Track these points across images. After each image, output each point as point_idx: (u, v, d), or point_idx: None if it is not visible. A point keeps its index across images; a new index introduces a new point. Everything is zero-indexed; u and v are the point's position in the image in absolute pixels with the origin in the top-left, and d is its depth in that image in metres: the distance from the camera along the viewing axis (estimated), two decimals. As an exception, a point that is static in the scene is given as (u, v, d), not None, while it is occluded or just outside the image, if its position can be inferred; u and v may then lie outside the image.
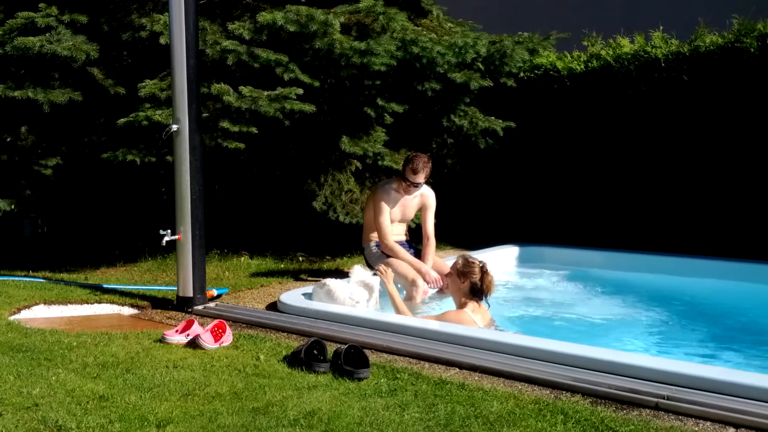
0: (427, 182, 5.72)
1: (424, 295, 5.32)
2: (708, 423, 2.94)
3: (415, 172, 5.42)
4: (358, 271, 5.08)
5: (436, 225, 5.74)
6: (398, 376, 3.50)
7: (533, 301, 5.64)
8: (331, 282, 4.92)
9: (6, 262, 6.51)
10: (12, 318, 4.70)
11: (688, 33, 7.16)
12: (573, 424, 2.92)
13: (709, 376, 3.24)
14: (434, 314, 5.10)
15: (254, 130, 5.90)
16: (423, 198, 5.69)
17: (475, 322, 4.35)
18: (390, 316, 4.66)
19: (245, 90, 5.82)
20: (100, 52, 5.93)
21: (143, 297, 5.32)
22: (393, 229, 5.60)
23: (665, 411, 3.06)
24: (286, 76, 5.94)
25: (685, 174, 7.08)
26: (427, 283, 5.32)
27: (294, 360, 3.73)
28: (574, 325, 4.99)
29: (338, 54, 6.03)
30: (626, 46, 7.49)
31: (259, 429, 2.88)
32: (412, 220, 5.94)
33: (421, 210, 5.73)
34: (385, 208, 5.51)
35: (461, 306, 4.47)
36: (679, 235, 7.04)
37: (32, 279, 5.82)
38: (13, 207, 5.95)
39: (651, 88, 7.15)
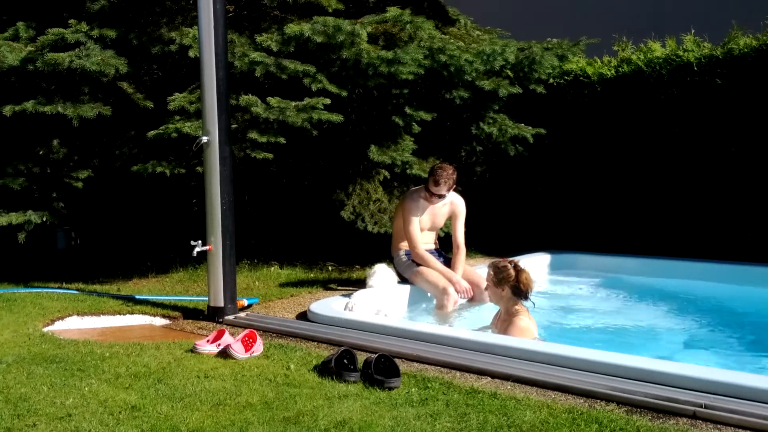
0: (456, 190, 5.69)
1: (455, 304, 5.28)
2: (748, 432, 2.87)
3: (437, 183, 5.41)
4: (380, 273, 5.13)
5: (465, 233, 5.70)
6: (429, 385, 3.46)
7: (566, 308, 5.57)
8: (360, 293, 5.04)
9: (40, 274, 6.60)
10: (46, 329, 4.75)
11: (721, 36, 7.05)
12: (608, 433, 2.86)
13: (748, 384, 3.16)
14: (464, 323, 5.08)
15: (282, 140, 5.92)
16: (452, 206, 5.66)
17: (534, 332, 4.31)
18: (420, 326, 4.63)
19: (273, 101, 5.85)
20: (130, 67, 6.00)
21: (175, 308, 5.35)
22: (422, 237, 5.57)
23: (703, 420, 2.98)
24: (313, 87, 5.96)
25: (720, 179, 6.96)
26: (458, 293, 5.28)
27: (324, 369, 3.71)
28: (607, 333, 4.92)
29: (365, 64, 6.04)
30: (657, 50, 7.40)
31: (289, 439, 2.86)
32: (441, 228, 5.90)
33: (451, 218, 5.70)
34: (414, 216, 5.50)
35: (514, 314, 4.40)
36: (714, 240, 6.91)
37: (66, 291, 5.88)
38: (45, 219, 6.03)
39: (684, 92, 7.04)
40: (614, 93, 7.51)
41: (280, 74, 5.92)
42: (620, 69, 7.50)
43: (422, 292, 5.48)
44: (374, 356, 3.64)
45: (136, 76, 6.30)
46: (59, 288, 6.00)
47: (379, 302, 5.09)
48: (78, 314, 5.19)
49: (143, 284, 6.35)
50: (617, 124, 7.54)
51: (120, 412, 3.15)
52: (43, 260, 7.31)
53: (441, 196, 5.49)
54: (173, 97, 5.86)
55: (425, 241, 5.62)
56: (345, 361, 3.70)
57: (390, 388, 3.43)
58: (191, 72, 5.97)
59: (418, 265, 5.50)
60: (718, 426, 2.92)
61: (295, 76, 5.95)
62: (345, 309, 4.95)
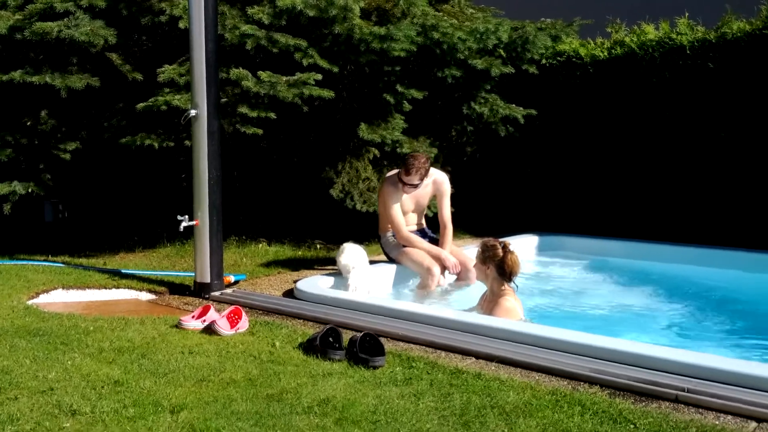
0: (445, 170, 5.65)
1: (439, 284, 5.27)
2: (729, 417, 2.87)
3: (408, 173, 5.30)
4: (349, 251, 5.11)
5: (454, 213, 5.66)
6: (414, 364, 3.46)
7: (552, 290, 5.58)
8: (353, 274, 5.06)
9: (27, 246, 6.56)
10: (30, 302, 4.72)
11: (715, 19, 7.03)
12: (591, 415, 2.86)
13: (730, 369, 3.17)
14: (451, 303, 5.09)
15: (272, 115, 5.88)
16: (436, 185, 5.57)
17: (520, 314, 4.31)
18: (406, 305, 4.63)
19: (264, 75, 5.79)
20: (119, 37, 5.92)
21: (161, 282, 5.33)
22: (408, 219, 5.53)
23: (685, 404, 2.99)
24: (305, 62, 5.91)
25: (710, 163, 6.96)
26: (447, 269, 5.27)
27: (309, 347, 3.70)
28: (593, 316, 4.93)
29: (358, 39, 5.98)
30: (651, 32, 7.37)
31: (272, 416, 2.85)
32: (429, 208, 5.87)
33: (436, 197, 5.64)
34: (395, 200, 5.41)
35: (499, 295, 4.40)
36: (702, 225, 6.92)
37: (51, 264, 5.85)
38: (30, 190, 5.97)
39: (676, 75, 7.02)
40: (606, 75, 7.48)
41: (272, 48, 5.86)
42: (613, 51, 7.47)
43: (408, 271, 5.47)
44: (359, 335, 3.64)
45: (126, 47, 6.22)
46: (45, 261, 5.96)
47: (374, 281, 5.11)
48: (63, 287, 5.16)
49: (130, 258, 6.32)
50: (609, 107, 7.52)
51: (102, 387, 3.13)
52: (31, 232, 7.27)
53: (414, 186, 5.39)
54: (163, 69, 5.79)
55: (411, 223, 5.58)
56: (330, 339, 3.69)
57: (374, 367, 3.43)
58: (181, 44, 5.89)
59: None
60: (700, 410, 2.93)
61: (286, 50, 5.90)
62: (349, 290, 4.95)
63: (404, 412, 2.89)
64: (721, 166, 6.89)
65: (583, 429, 2.75)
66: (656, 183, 7.33)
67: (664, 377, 3.18)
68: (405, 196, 5.46)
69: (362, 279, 5.06)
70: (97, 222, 7.64)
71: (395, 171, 5.56)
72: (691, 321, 4.83)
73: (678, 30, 7.17)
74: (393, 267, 5.54)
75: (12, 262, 5.84)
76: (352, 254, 5.14)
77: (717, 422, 2.82)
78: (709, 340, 4.37)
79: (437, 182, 5.58)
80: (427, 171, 5.38)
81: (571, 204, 7.88)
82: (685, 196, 7.14)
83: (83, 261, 6.06)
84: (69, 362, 3.45)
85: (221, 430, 2.70)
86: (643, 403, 3.01)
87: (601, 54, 7.54)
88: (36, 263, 5.83)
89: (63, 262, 5.92)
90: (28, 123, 6.17)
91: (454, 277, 5.42)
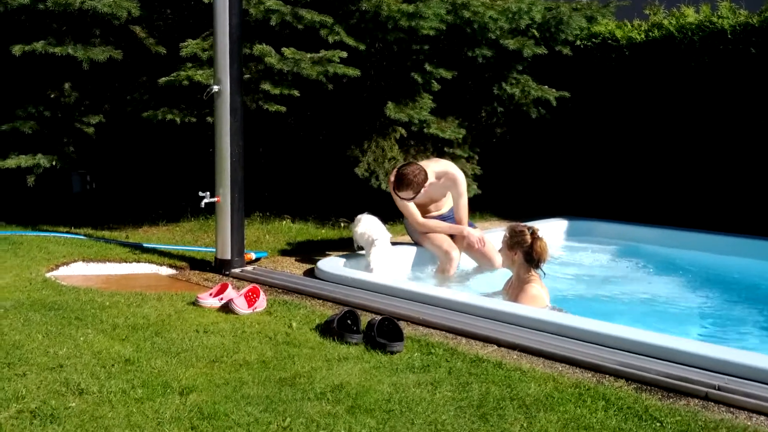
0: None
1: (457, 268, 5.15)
2: (762, 417, 2.73)
3: (398, 189, 5.08)
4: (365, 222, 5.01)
5: (481, 196, 5.46)
6: (432, 351, 3.36)
7: (580, 277, 5.43)
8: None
9: (52, 217, 6.55)
10: (49, 275, 4.69)
11: (758, 3, 6.76)
12: (615, 411, 2.73)
13: (765, 367, 3.01)
14: (472, 288, 4.97)
15: (296, 93, 5.78)
16: (448, 183, 5.23)
17: (546, 301, 4.18)
18: (428, 288, 4.52)
19: (288, 52, 5.68)
20: (142, 10, 5.85)
21: (182, 258, 5.28)
22: (422, 210, 5.34)
23: (715, 402, 2.85)
24: (330, 39, 5.79)
25: (750, 151, 6.72)
26: (471, 245, 5.15)
27: (326, 329, 3.62)
28: (621, 305, 4.78)
29: (385, 16, 5.85)
30: (690, 15, 7.12)
31: (283, 401, 2.77)
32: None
33: (451, 195, 5.37)
34: (404, 200, 5.19)
35: (525, 281, 4.28)
36: (740, 214, 6.70)
37: (73, 236, 5.82)
38: (54, 163, 5.96)
39: (716, 60, 6.78)
40: (643, 58, 7.25)
41: (297, 24, 5.75)
42: (650, 34, 7.24)
43: (428, 253, 5.34)
44: (378, 318, 3.55)
45: (149, 20, 6.14)
46: (67, 233, 5.94)
47: (395, 260, 5.00)
48: (84, 260, 5.14)
49: (153, 232, 6.28)
50: (644, 91, 7.29)
51: (113, 365, 3.07)
52: (58, 203, 7.26)
53: (410, 199, 5.14)
54: (186, 44, 5.71)
55: (429, 211, 5.39)
56: (348, 321, 3.60)
57: (392, 352, 3.33)
58: (205, 18, 5.80)
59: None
60: (732, 410, 2.78)
61: (311, 26, 5.78)
62: (367, 269, 4.84)
63: (420, 402, 2.79)
64: (763, 154, 6.65)
65: (607, 426, 2.62)
66: (692, 169, 7.10)
67: (694, 373, 3.04)
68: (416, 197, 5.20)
69: (384, 257, 4.94)
70: (123, 194, 7.61)
71: (395, 175, 5.19)
72: (724, 314, 4.65)
73: (719, 13, 6.91)
74: (413, 249, 5.42)
75: (34, 233, 5.83)
76: (369, 224, 5.02)
77: (749, 423, 2.68)
78: (743, 335, 4.20)
79: (449, 180, 5.24)
80: (420, 184, 5.04)
81: (602, 188, 7.68)
82: (721, 184, 6.91)
83: (106, 234, 6.03)
84: (81, 338, 3.40)
85: (229, 415, 2.62)
86: (671, 400, 2.87)
87: (637, 36, 7.31)
88: (58, 235, 5.81)
89: (85, 235, 5.89)
90: (52, 95, 6.13)
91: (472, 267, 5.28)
